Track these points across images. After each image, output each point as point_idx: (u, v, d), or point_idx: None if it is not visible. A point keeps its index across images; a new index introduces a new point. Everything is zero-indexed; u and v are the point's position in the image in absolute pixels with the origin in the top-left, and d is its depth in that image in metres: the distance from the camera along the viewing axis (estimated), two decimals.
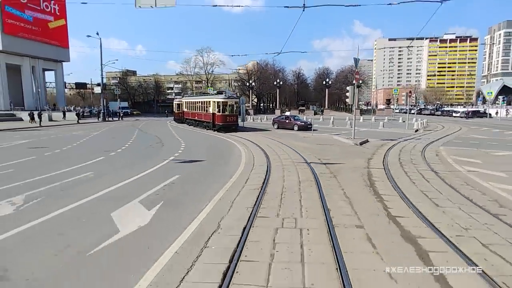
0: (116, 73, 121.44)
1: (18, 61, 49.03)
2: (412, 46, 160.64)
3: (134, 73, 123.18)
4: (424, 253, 3.69)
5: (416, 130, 21.72)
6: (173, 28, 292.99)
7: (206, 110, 23.29)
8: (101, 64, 38.68)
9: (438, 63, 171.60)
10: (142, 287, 3.05)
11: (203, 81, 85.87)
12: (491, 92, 41.03)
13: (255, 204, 5.48)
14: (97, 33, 36.09)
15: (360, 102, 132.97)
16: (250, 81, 55.48)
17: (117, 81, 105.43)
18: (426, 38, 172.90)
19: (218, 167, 9.48)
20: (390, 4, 9.22)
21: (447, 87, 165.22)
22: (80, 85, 76.17)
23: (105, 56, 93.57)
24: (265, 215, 4.99)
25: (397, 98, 77.37)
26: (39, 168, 9.07)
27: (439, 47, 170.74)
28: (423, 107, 69.58)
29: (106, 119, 38.22)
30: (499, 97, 43.06)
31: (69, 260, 3.66)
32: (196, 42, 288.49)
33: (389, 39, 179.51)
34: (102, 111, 37.68)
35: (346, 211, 5.19)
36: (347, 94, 16.48)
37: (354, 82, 19.28)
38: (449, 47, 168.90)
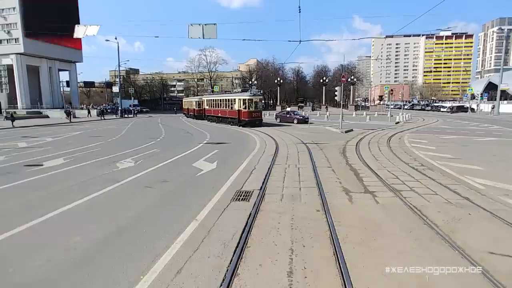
0: (121, 70, 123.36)
1: (37, 62, 52.86)
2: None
3: (137, 71, 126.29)
4: (357, 174, 7.70)
5: (397, 122, 25.75)
6: (171, 25, 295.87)
7: (231, 107, 24.60)
8: (119, 66, 42.62)
9: (435, 60, 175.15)
10: (230, 182, 7.06)
11: (205, 79, 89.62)
12: (472, 89, 44.99)
13: (272, 160, 9.49)
14: (115, 38, 39.85)
15: (358, 98, 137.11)
16: (252, 80, 59.22)
17: (121, 80, 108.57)
18: (423, 35, 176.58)
19: (241, 146, 13.48)
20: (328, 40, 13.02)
21: (443, 83, 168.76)
22: (88, 84, 80.00)
23: (106, 53, 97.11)
24: (279, 163, 9.02)
25: (393, 94, 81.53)
26: (116, 148, 13.05)
27: (435, 43, 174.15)
28: (416, 103, 73.58)
29: (123, 116, 42.16)
30: (478, 93, 46.94)
31: (188, 177, 7.68)
32: (193, 39, 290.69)
33: (386, 36, 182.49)
34: (120, 108, 41.66)
35: (324, 162, 9.22)
36: (336, 93, 20.44)
37: (341, 83, 23.20)
38: (445, 43, 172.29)
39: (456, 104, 54.59)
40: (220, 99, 27.61)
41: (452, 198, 5.63)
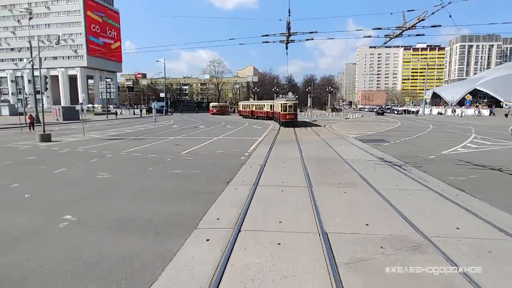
0: (130, 75, 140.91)
1: (92, 73, 69.47)
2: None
3: (144, 75, 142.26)
4: (306, 129, 25.51)
5: (346, 118, 43.67)
6: (162, 25, 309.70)
7: (274, 110, 32.70)
8: (164, 79, 59.39)
9: (412, 69, 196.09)
10: (268, 129, 24.71)
11: (207, 84, 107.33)
12: (408, 98, 63.58)
13: (279, 130, 27.20)
14: (164, 60, 56.92)
15: (344, 102, 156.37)
16: (255, 88, 76.81)
17: (131, 84, 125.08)
18: (401, 47, 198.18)
19: (265, 125, 31.05)
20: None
21: (419, 89, 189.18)
22: None
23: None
24: (283, 129, 26.78)
25: (372, 100, 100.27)
26: (211, 124, 30.42)
27: (412, 54, 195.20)
28: (384, 107, 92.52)
29: (166, 114, 59.17)
30: (428, 100, 65.41)
31: (253, 129, 25.30)
32: (186, 39, 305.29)
33: (370, 47, 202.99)
34: (165, 108, 58.74)
35: (299, 131, 27.03)
36: (308, 101, 38.13)
37: (311, 97, 40.82)
38: (421, 54, 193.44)
39: (402, 108, 73.47)
40: (277, 104, 32.45)
41: (329, 134, 23.43)
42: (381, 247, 3.87)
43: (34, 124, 23.32)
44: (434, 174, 8.26)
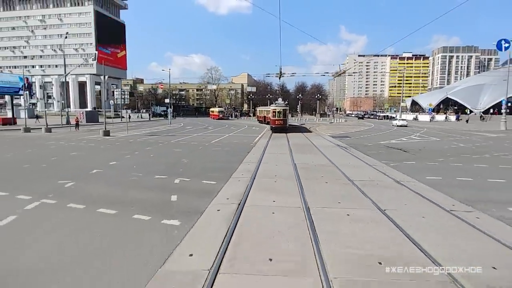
0: (128, 80, 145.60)
1: (99, 79, 74.86)
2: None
3: (142, 81, 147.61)
4: (299, 130, 32.09)
5: (331, 122, 50.46)
6: (153, 30, 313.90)
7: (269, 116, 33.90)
8: (169, 85, 65.37)
9: (398, 77, 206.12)
10: (265, 129, 31.16)
11: (203, 89, 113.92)
12: (387, 105, 71.09)
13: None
14: (169, 69, 62.95)
15: (334, 108, 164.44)
16: (250, 95, 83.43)
17: (129, 88, 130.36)
18: (388, 55, 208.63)
19: (262, 127, 37.50)
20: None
21: (405, 96, 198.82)
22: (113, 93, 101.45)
23: None
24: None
25: (360, 106, 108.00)
26: (218, 125, 36.72)
27: (399, 63, 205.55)
28: (369, 113, 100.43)
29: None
30: (408, 107, 72.76)
31: (254, 129, 31.70)
32: (178, 44, 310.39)
33: (359, 55, 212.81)
34: (171, 113, 64.62)
35: (290, 132, 33.58)
36: (298, 107, 44.78)
37: (300, 104, 47.46)
38: (407, 63, 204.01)
39: (383, 114, 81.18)
40: (271, 110, 33.00)
41: (312, 133, 29.98)
42: (314, 165, 10.30)
43: (79, 124, 29.23)
44: (362, 151, 14.78)
